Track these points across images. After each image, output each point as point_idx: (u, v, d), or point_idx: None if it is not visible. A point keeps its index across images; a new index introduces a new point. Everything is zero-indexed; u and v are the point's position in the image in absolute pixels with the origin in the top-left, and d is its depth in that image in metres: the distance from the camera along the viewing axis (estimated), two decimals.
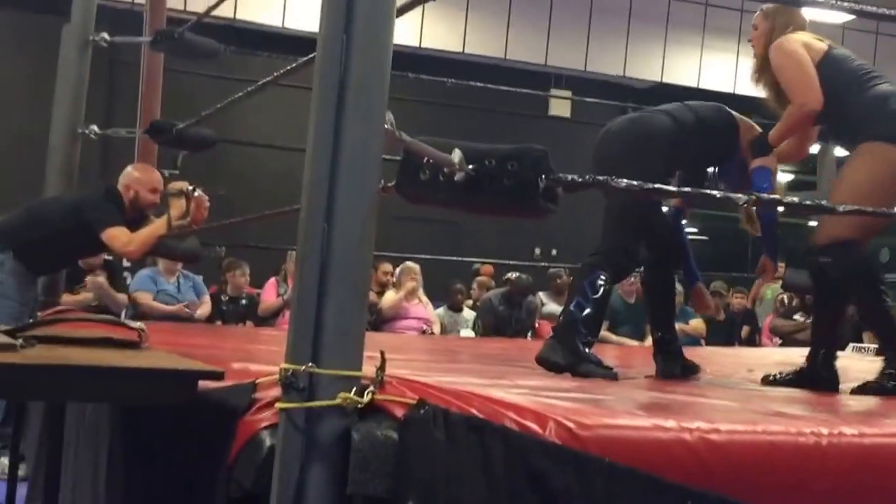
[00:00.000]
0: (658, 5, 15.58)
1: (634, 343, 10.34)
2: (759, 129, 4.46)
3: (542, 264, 14.13)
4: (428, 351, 5.95)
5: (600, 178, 2.78)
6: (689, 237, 4.92)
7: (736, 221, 4.67)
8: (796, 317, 11.46)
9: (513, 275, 11.44)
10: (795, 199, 3.39)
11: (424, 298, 10.95)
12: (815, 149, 14.89)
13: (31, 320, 5.19)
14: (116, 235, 5.93)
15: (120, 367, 2.69)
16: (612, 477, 2.22)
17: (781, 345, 10.74)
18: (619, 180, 2.76)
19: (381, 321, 10.30)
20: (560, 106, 15.63)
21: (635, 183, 2.78)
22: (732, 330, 12.16)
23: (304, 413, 2.29)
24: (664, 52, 16.27)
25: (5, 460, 5.56)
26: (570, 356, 4.12)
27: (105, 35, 6.63)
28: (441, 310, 11.43)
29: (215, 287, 10.37)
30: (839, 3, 3.22)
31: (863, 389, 4.03)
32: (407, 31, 13.43)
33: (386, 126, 2.36)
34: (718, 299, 12.07)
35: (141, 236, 5.97)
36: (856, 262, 4.13)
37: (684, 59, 16.27)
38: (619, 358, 6.21)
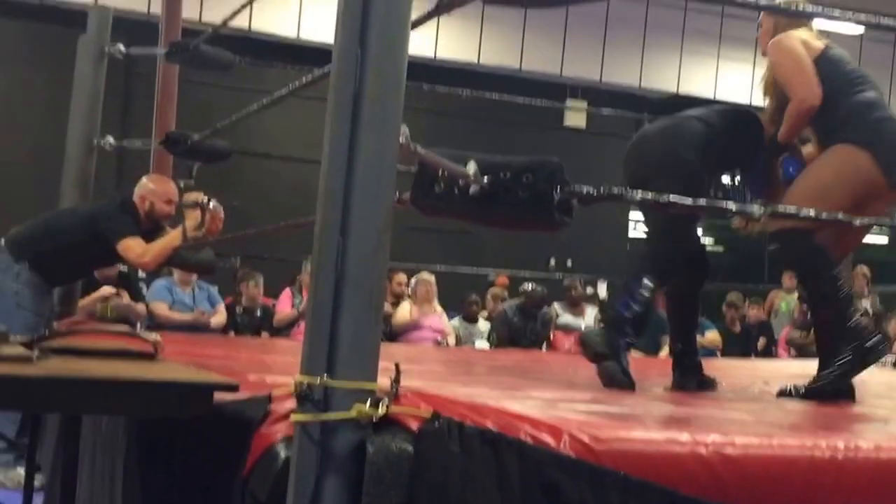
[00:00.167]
0: (674, 16, 15.60)
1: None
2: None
3: (558, 275, 14.12)
4: (442, 362, 5.95)
5: (615, 190, 2.77)
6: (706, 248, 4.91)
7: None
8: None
9: (528, 286, 11.44)
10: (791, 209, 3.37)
11: (439, 309, 10.95)
12: None
13: (46, 330, 5.23)
14: (132, 246, 5.94)
15: (136, 380, 2.69)
16: (626, 490, 2.22)
17: (798, 357, 10.71)
18: (634, 193, 2.76)
19: (395, 333, 10.30)
20: (575, 117, 15.64)
21: (650, 196, 2.78)
22: (748, 342, 12.13)
23: (319, 425, 2.29)
24: (680, 63, 16.28)
25: (21, 471, 5.57)
26: (606, 348, 4.12)
27: (121, 46, 6.65)
28: (456, 321, 11.43)
29: (231, 298, 10.39)
30: (854, 15, 3.21)
31: (801, 392, 4.09)
32: (422, 42, 13.45)
33: (401, 139, 2.37)
34: (734, 311, 12.06)
35: (156, 247, 5.98)
36: (803, 251, 4.14)
37: (700, 70, 16.27)
38: (634, 369, 6.19)
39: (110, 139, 6.63)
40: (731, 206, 3.35)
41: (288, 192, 13.66)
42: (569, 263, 16.32)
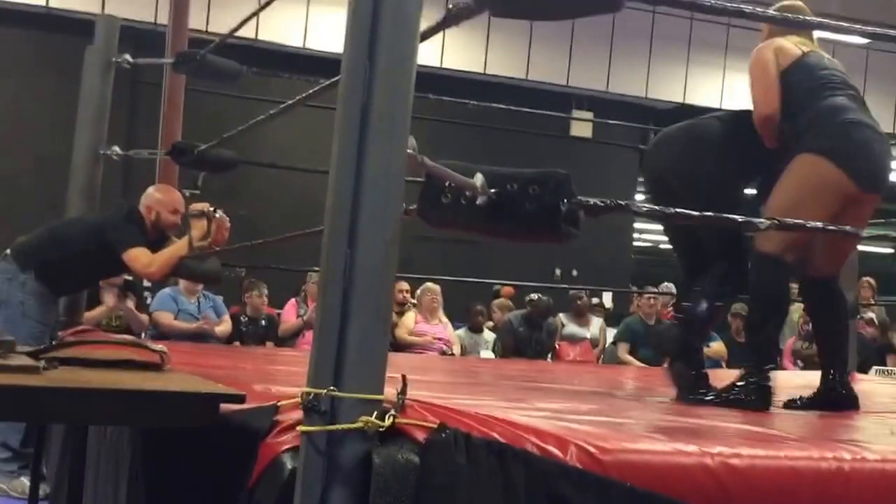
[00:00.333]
0: (680, 26, 15.62)
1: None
2: None
3: (563, 286, 14.12)
4: (448, 372, 5.95)
5: (621, 202, 2.77)
6: None
7: None
8: None
9: (534, 296, 11.45)
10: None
11: (444, 319, 10.96)
12: None
13: (51, 340, 5.24)
14: (138, 256, 5.94)
15: (142, 391, 2.69)
16: (633, 501, 2.22)
17: (804, 368, 10.69)
18: (641, 205, 2.76)
19: (400, 345, 10.30)
20: (581, 127, 15.65)
21: (657, 207, 2.78)
22: None
23: (326, 436, 2.29)
24: (686, 73, 16.30)
25: (26, 481, 5.57)
26: (678, 347, 4.26)
27: (128, 57, 6.66)
28: (461, 331, 11.44)
29: (237, 308, 10.40)
30: (853, 26, 3.21)
31: (718, 397, 4.12)
32: (428, 52, 13.47)
33: (408, 150, 2.37)
34: (739, 321, 12.05)
35: (162, 257, 5.98)
36: (770, 281, 4.16)
37: (706, 80, 16.29)
38: (641, 379, 6.20)
39: (117, 149, 6.63)
40: (738, 218, 3.33)
41: (294, 202, 13.68)
42: (574, 273, 16.33)
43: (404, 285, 10.93)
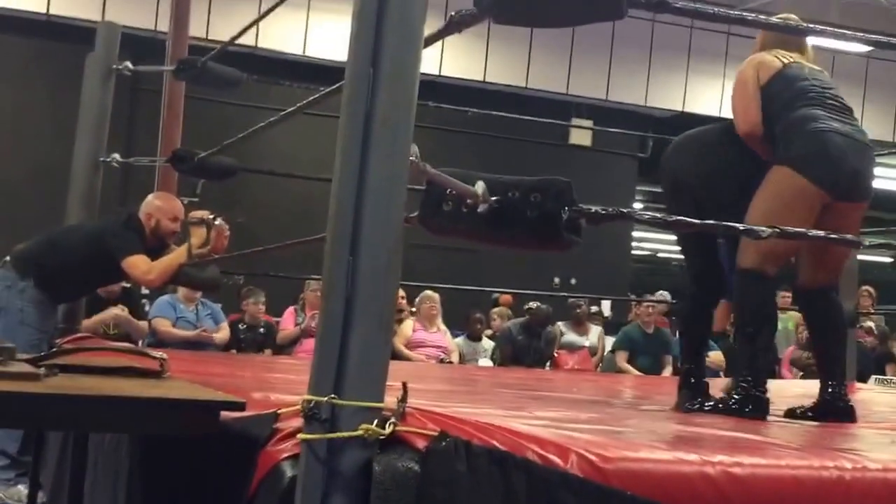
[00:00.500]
0: (680, 35, 15.64)
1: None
2: None
3: (562, 294, 14.11)
4: (447, 380, 5.95)
5: (622, 210, 2.77)
6: None
7: None
8: None
9: (533, 304, 11.44)
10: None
11: (443, 327, 10.95)
12: None
13: (49, 347, 5.23)
14: (137, 264, 5.94)
15: (142, 398, 2.69)
16: None
17: (803, 377, 10.68)
18: (642, 213, 2.76)
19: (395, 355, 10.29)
20: (581, 135, 15.66)
21: (659, 215, 2.78)
22: None
23: (326, 444, 2.29)
24: (686, 81, 16.31)
25: (22, 488, 5.56)
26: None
27: (128, 64, 6.66)
28: (460, 339, 11.43)
29: (236, 315, 10.39)
30: (853, 34, 3.21)
31: (715, 407, 4.13)
32: (427, 59, 13.47)
33: (410, 158, 2.37)
34: None
35: (161, 265, 5.98)
36: (751, 294, 4.18)
37: (706, 89, 16.31)
38: (639, 388, 6.20)
39: (117, 156, 6.63)
40: (739, 227, 3.33)
41: (293, 210, 13.69)
42: (573, 282, 16.33)
43: (400, 292, 10.91)
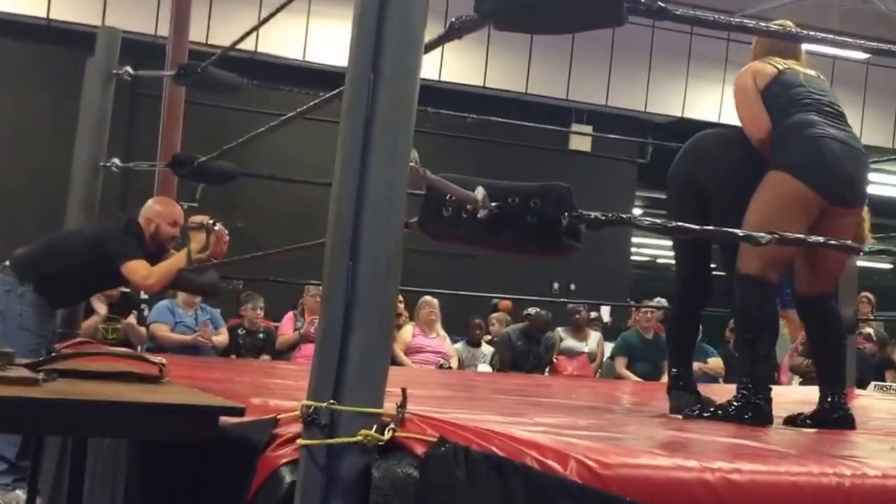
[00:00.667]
0: (679, 40, 15.64)
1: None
2: None
3: (562, 300, 14.11)
4: (446, 386, 5.94)
5: (622, 215, 2.77)
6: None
7: None
8: None
9: (532, 310, 11.44)
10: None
11: (442, 332, 10.95)
12: None
13: (48, 352, 5.23)
14: (136, 268, 5.93)
15: (141, 403, 2.69)
16: None
17: (801, 383, 10.69)
18: (642, 218, 2.76)
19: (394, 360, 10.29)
20: (580, 140, 15.67)
21: (658, 221, 2.78)
22: None
23: (325, 450, 2.29)
24: (686, 87, 16.31)
25: (21, 494, 5.56)
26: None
27: (129, 69, 6.66)
28: (459, 345, 11.43)
29: (236, 320, 10.39)
30: (852, 41, 3.21)
31: (716, 414, 4.13)
32: (427, 65, 13.47)
33: (410, 164, 2.37)
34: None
35: (161, 269, 5.98)
36: (752, 301, 4.17)
37: (706, 95, 16.32)
38: (638, 394, 6.19)
39: (117, 161, 6.63)
40: (739, 232, 3.33)
41: (292, 215, 13.68)
42: (572, 287, 16.32)
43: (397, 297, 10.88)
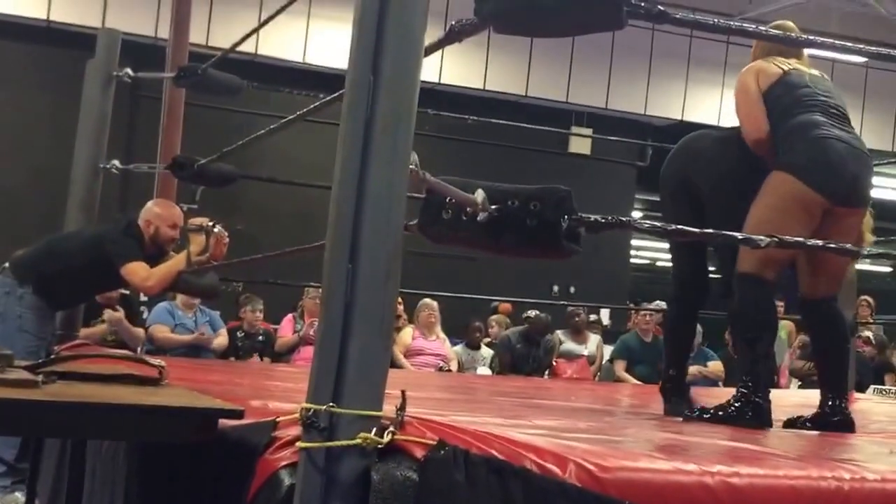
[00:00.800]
0: (679, 44, 15.67)
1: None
2: None
3: (561, 302, 14.11)
4: (446, 388, 5.94)
5: (622, 218, 2.77)
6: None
7: None
8: None
9: (532, 313, 11.43)
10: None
11: (442, 335, 10.95)
12: None
13: (47, 354, 5.23)
14: (136, 270, 5.93)
15: (140, 405, 2.69)
16: None
17: (801, 387, 10.69)
18: (641, 221, 2.76)
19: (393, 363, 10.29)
20: (580, 143, 15.67)
21: (658, 224, 2.78)
22: None
23: (324, 453, 2.28)
24: (685, 91, 16.32)
25: (20, 496, 5.56)
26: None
27: (129, 70, 6.66)
28: (459, 347, 11.43)
29: (235, 323, 10.38)
30: (851, 45, 3.21)
31: (715, 415, 4.12)
32: (427, 67, 13.48)
33: (410, 166, 2.37)
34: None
35: (160, 272, 5.97)
36: (750, 300, 4.17)
37: (705, 98, 16.33)
38: (637, 397, 6.19)
39: (116, 163, 6.63)
40: (738, 236, 3.33)
41: (293, 217, 13.68)
42: (572, 290, 16.32)
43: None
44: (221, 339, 9.40)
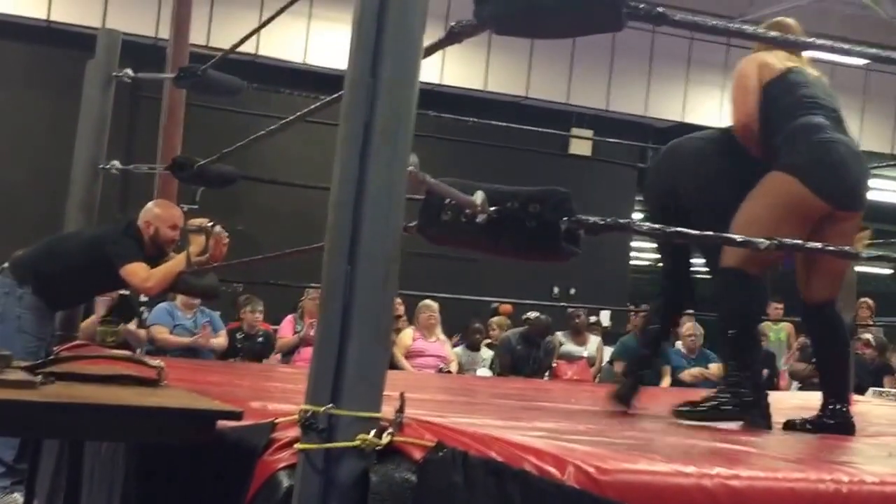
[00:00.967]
0: (679, 45, 15.68)
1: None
2: None
3: (561, 304, 14.11)
4: (445, 390, 5.93)
5: (621, 220, 2.77)
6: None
7: None
8: None
9: (532, 314, 11.43)
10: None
11: (442, 336, 10.94)
12: None
13: (47, 355, 5.22)
14: (135, 271, 5.93)
15: (138, 406, 2.69)
16: None
17: (801, 389, 10.68)
18: (641, 223, 2.76)
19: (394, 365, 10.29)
20: (581, 144, 15.67)
21: (658, 226, 2.78)
22: None
23: (323, 454, 2.28)
24: (685, 92, 16.32)
25: (19, 497, 5.55)
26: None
27: (129, 71, 6.66)
28: (459, 348, 11.42)
29: (236, 324, 10.38)
30: (852, 48, 3.21)
31: (688, 411, 4.15)
32: (428, 68, 13.47)
33: (409, 168, 2.36)
34: None
35: (160, 272, 5.97)
36: (732, 294, 4.18)
37: (705, 99, 16.34)
38: (637, 399, 6.18)
39: (116, 163, 6.63)
40: (737, 238, 3.33)
41: (294, 217, 13.68)
42: (572, 292, 16.32)
43: (397, 298, 10.86)
44: (221, 341, 9.39)
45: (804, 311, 4.45)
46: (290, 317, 10.62)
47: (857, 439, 4.05)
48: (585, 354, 11.68)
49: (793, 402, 5.65)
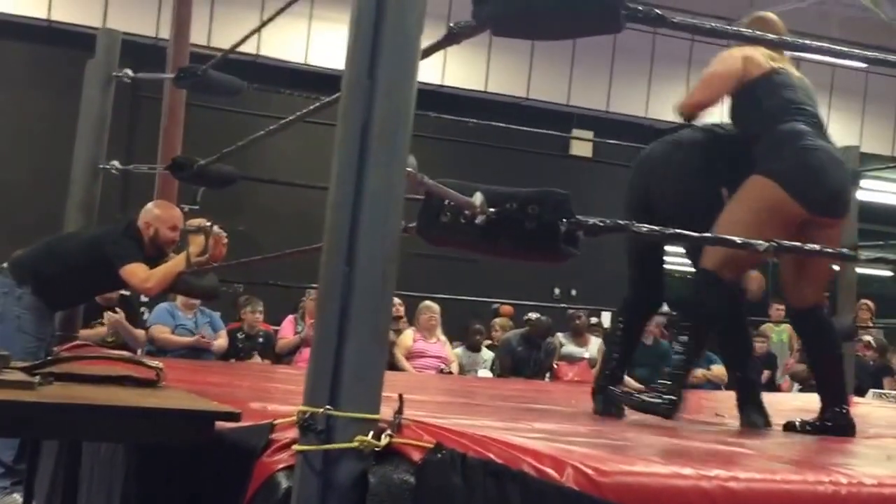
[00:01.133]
0: (680, 46, 15.66)
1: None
2: None
3: (563, 305, 14.09)
4: (445, 391, 5.94)
5: (620, 222, 2.77)
6: None
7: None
8: None
9: (533, 316, 11.42)
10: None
11: (443, 337, 10.93)
12: None
13: (46, 355, 5.22)
14: (135, 272, 5.92)
15: (137, 407, 2.69)
16: None
17: (801, 390, 10.68)
18: (640, 225, 2.76)
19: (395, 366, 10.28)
20: (581, 146, 15.65)
21: (657, 228, 2.78)
22: None
23: (322, 455, 2.28)
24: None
25: (18, 497, 5.55)
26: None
27: (129, 71, 6.66)
28: (459, 349, 11.41)
29: (236, 324, 10.37)
30: (852, 51, 3.21)
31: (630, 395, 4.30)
32: (429, 69, 13.49)
33: (408, 169, 2.36)
34: None
35: (160, 273, 5.96)
36: (703, 294, 4.23)
37: None
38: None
39: (116, 163, 6.63)
40: (736, 240, 3.33)
41: (294, 218, 13.66)
42: (573, 293, 16.30)
43: (395, 299, 10.85)
44: (222, 341, 9.39)
45: (793, 317, 4.48)
46: (290, 317, 10.61)
47: (857, 441, 4.05)
48: (586, 356, 11.66)
49: (793, 403, 5.65)
